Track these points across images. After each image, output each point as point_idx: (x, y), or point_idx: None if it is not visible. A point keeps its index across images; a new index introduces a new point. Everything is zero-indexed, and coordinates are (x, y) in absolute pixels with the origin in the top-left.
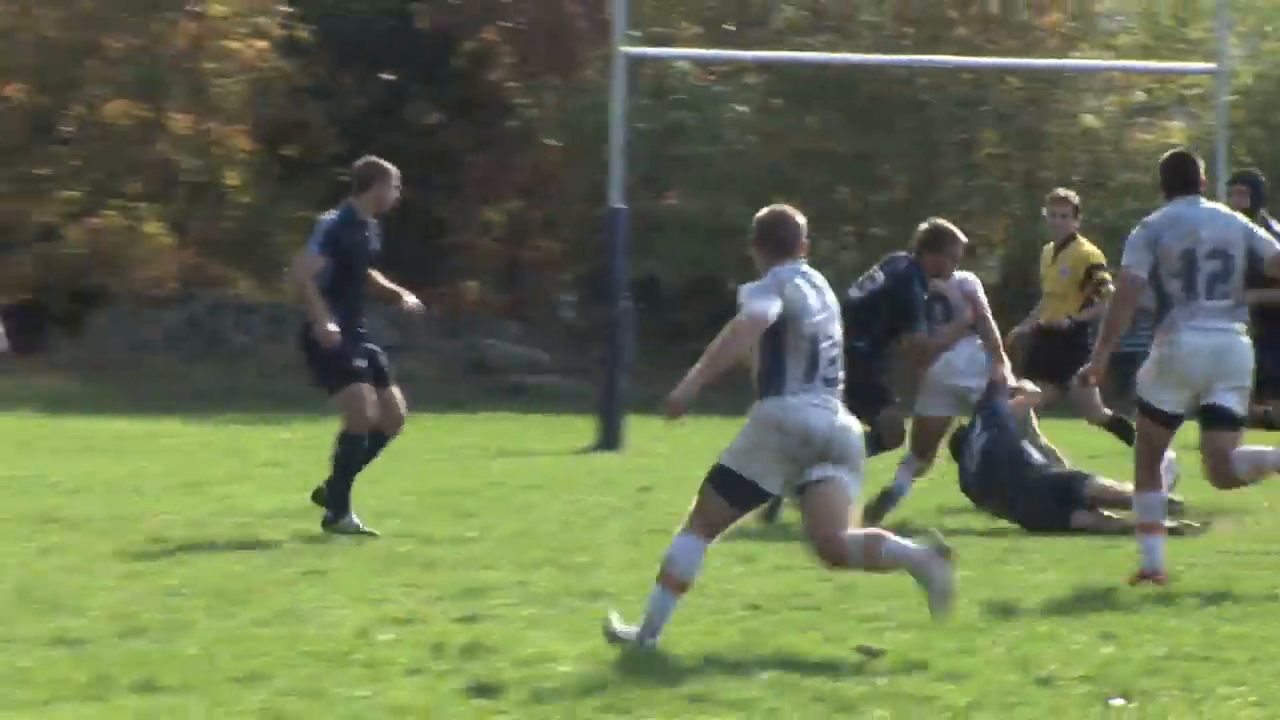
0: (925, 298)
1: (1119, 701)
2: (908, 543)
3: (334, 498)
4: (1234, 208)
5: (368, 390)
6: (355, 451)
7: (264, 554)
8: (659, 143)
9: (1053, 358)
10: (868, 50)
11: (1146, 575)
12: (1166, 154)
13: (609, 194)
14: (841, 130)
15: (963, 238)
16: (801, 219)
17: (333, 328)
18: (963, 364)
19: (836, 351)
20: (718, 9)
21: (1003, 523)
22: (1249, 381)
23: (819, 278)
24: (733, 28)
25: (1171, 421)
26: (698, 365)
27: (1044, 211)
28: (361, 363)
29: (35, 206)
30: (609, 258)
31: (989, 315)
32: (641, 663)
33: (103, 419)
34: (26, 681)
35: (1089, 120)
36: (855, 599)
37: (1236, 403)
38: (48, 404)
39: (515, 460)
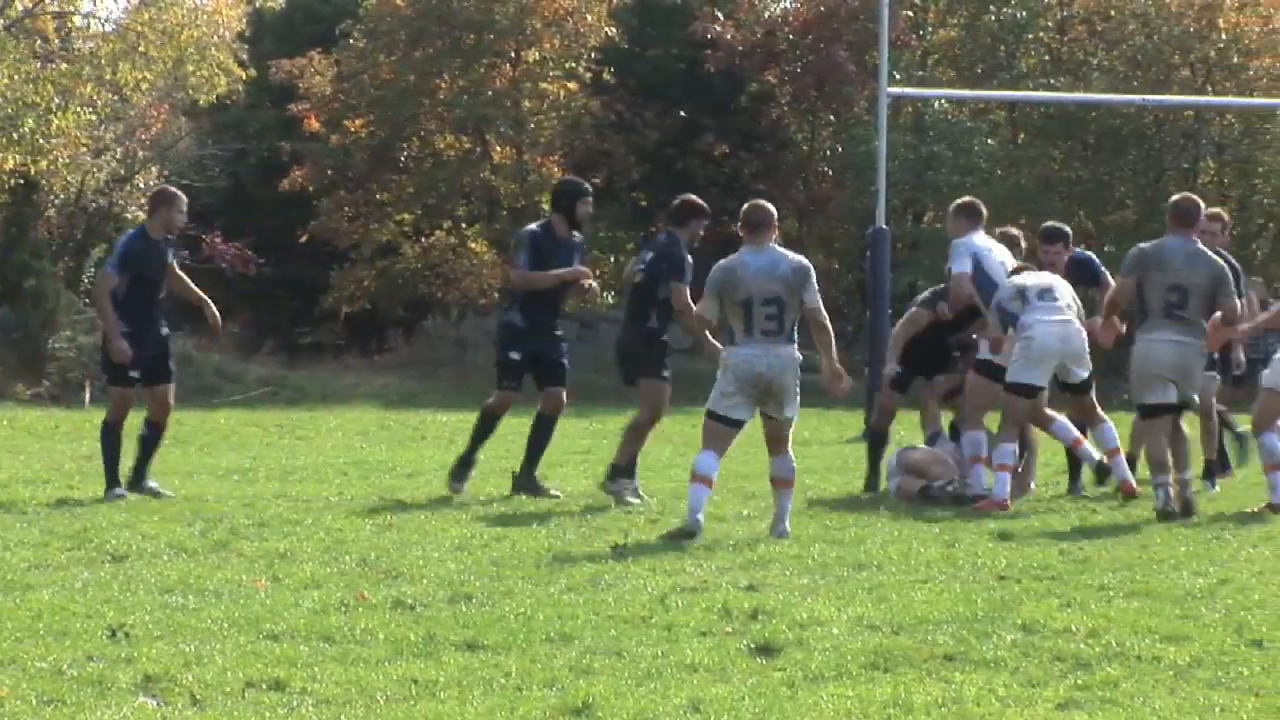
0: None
1: None
2: None
3: (107, 472)
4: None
5: (132, 394)
6: (112, 437)
7: (574, 530)
8: (917, 172)
9: None
10: (1101, 90)
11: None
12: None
13: (875, 216)
14: (1078, 160)
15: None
16: (772, 209)
17: (124, 345)
18: None
19: (774, 309)
20: (968, 54)
21: (1220, 505)
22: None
23: (775, 255)
24: (981, 71)
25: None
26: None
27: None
28: (135, 373)
29: (377, 227)
30: (874, 271)
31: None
32: (902, 626)
33: (433, 411)
34: (368, 641)
35: None
36: (1091, 570)
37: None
38: (387, 399)
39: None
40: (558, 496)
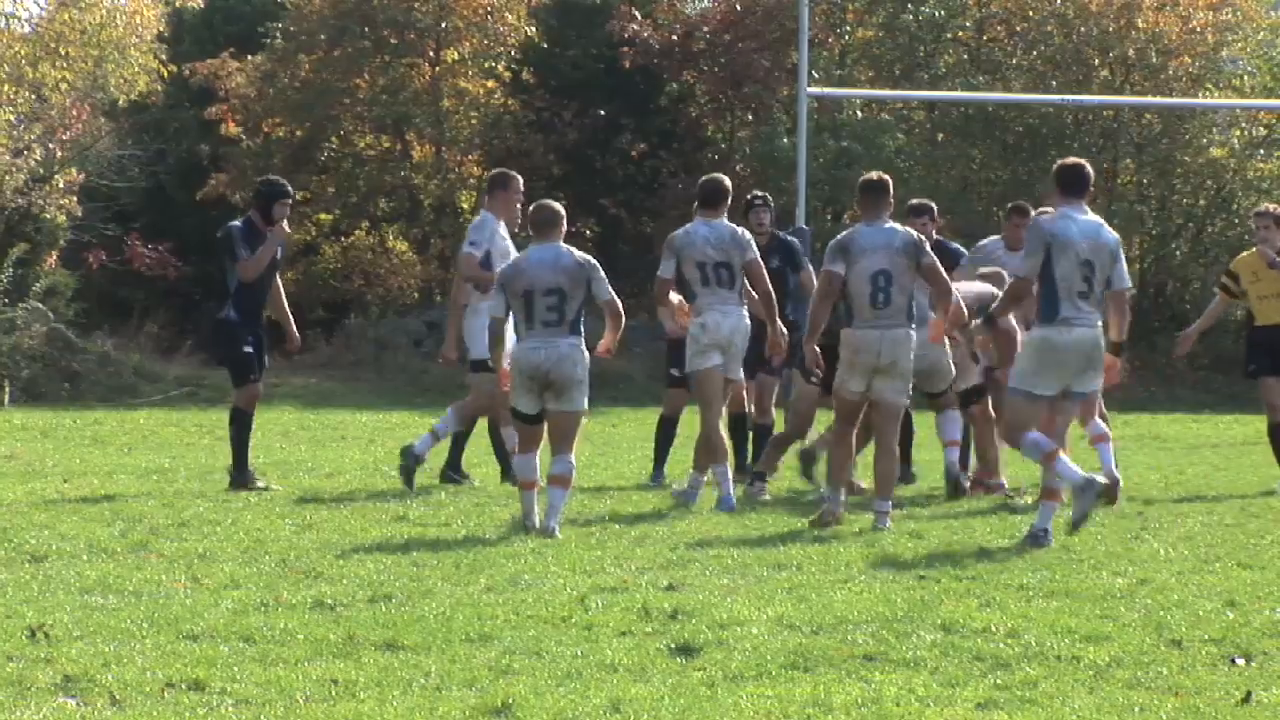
0: None
1: (1241, 661)
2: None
3: None
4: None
5: None
6: None
7: (495, 529)
8: (835, 171)
9: None
10: (1021, 90)
11: None
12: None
13: (794, 215)
14: (997, 160)
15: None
16: (560, 207)
17: None
18: None
19: (554, 300)
20: (887, 53)
21: (1138, 505)
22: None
23: (557, 251)
24: (900, 71)
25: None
26: None
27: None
28: None
29: (296, 227)
30: None
31: None
32: (822, 626)
33: (354, 411)
34: (288, 641)
35: (1216, 151)
36: (1010, 570)
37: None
38: (306, 399)
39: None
40: (265, 488)
